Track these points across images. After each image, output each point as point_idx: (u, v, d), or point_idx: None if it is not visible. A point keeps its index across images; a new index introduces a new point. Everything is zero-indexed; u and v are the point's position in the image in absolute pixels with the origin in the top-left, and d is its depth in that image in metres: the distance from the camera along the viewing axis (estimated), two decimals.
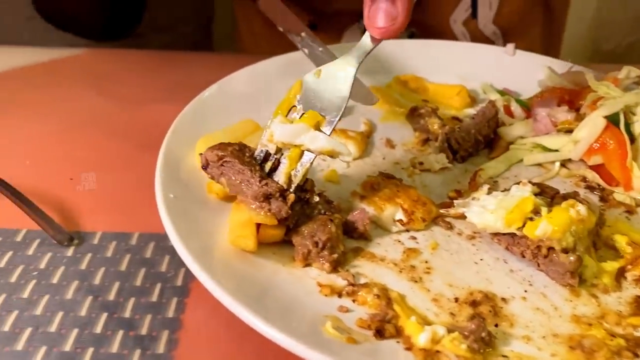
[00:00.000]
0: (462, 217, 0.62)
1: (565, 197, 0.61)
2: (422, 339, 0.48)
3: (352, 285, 0.54)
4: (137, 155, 0.74)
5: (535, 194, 0.60)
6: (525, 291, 0.56)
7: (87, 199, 0.67)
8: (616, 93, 0.70)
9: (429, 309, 0.53)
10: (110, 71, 0.96)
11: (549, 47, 1.19)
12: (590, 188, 0.70)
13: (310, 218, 0.58)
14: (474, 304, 0.54)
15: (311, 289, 0.54)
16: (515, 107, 0.79)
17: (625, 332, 0.52)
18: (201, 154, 0.59)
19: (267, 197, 0.55)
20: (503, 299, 0.55)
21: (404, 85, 0.87)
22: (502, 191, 0.63)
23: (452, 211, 0.64)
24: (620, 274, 0.58)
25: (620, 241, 0.59)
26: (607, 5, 1.97)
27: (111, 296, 0.55)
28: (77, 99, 0.87)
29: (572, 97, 0.77)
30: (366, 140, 0.76)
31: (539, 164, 0.74)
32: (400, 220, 0.62)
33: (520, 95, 0.85)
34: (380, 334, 0.49)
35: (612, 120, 0.69)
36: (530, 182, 0.62)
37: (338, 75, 0.59)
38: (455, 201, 0.65)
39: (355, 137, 0.75)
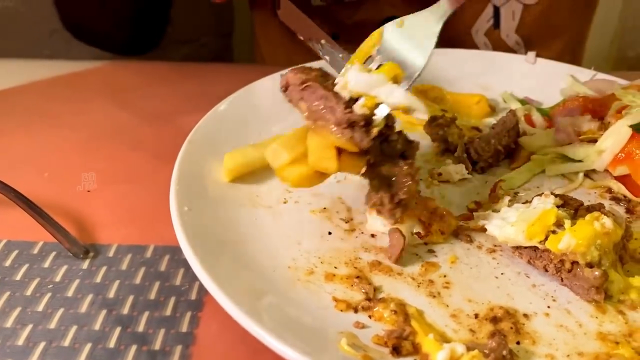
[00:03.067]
0: (482, 229, 0.61)
1: (589, 209, 0.59)
2: (440, 357, 0.46)
3: (369, 300, 0.53)
4: (156, 168, 0.74)
5: (558, 206, 0.59)
6: (549, 307, 0.54)
7: (104, 211, 0.67)
8: None
9: (447, 325, 0.52)
10: (130, 83, 0.97)
11: (573, 55, 1.17)
12: (616, 199, 0.68)
13: (388, 157, 0.56)
14: (494, 320, 0.52)
15: (326, 304, 0.53)
16: (536, 117, 0.78)
17: None
18: (282, 74, 0.58)
19: (351, 125, 0.53)
20: (525, 315, 0.53)
21: (423, 95, 0.86)
22: (524, 203, 0.62)
23: (471, 224, 0.63)
24: None
25: None
26: (632, 12, 1.94)
27: (125, 310, 0.55)
28: (97, 112, 0.88)
29: (595, 105, 0.75)
30: None
31: (562, 175, 0.72)
32: (418, 233, 0.61)
33: (541, 104, 0.84)
34: (396, 351, 0.48)
35: (638, 129, 0.66)
36: (552, 193, 0.61)
37: (420, 29, 0.58)
38: (475, 213, 0.64)
39: None
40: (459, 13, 1.07)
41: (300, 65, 0.58)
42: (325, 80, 0.57)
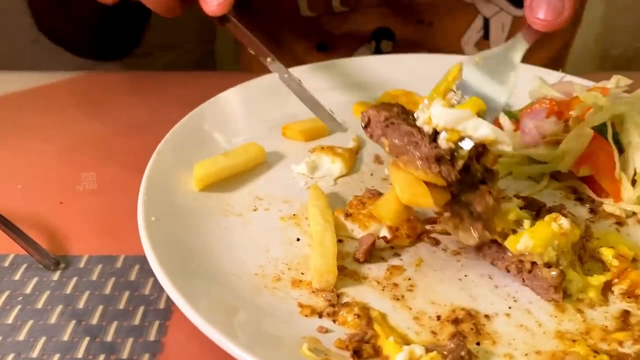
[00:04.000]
0: (448, 232, 0.62)
1: (550, 210, 0.60)
2: (399, 359, 0.47)
3: (333, 305, 0.54)
4: (129, 178, 0.74)
5: (521, 207, 0.60)
6: (510, 307, 0.55)
7: (76, 223, 0.68)
8: (603, 103, 0.69)
9: (410, 328, 0.53)
10: (105, 94, 0.97)
11: (559, 63, 1.18)
12: (581, 200, 0.69)
13: (469, 186, 0.57)
14: (455, 321, 0.53)
15: (292, 310, 0.54)
16: (503, 119, 0.79)
17: (610, 347, 0.51)
18: (363, 112, 0.59)
19: (438, 159, 0.54)
20: (486, 316, 0.54)
21: (395, 100, 0.87)
22: None
23: (437, 227, 0.64)
24: (606, 288, 0.57)
25: (607, 254, 0.58)
26: (615, 12, 1.96)
27: (94, 320, 0.55)
28: (70, 123, 0.88)
29: (561, 107, 0.76)
30: (354, 157, 0.76)
31: (529, 177, 0.73)
32: (384, 237, 0.62)
33: (511, 107, 0.85)
34: (357, 354, 0.49)
35: (600, 130, 0.68)
36: (516, 196, 0.62)
37: (499, 65, 0.60)
38: (440, 216, 0.65)
39: (343, 154, 0.75)
40: (448, 24, 1.08)
41: (380, 103, 0.59)
42: (406, 116, 0.58)
